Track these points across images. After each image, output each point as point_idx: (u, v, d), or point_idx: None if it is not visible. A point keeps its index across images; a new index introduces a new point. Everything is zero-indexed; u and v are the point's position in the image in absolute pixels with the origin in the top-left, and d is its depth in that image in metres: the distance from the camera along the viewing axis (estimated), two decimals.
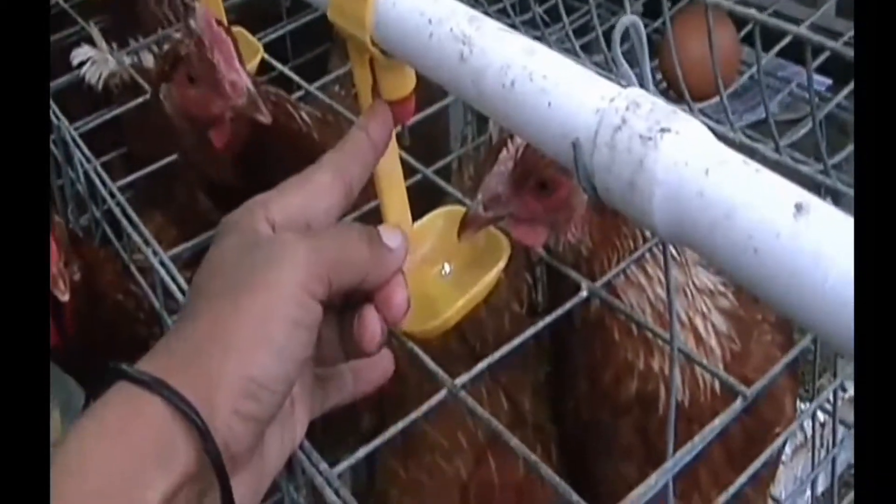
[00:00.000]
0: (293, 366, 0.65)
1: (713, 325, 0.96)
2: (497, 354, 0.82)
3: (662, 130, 0.49)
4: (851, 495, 1.15)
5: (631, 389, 0.96)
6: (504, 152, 0.85)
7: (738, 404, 0.74)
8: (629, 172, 0.50)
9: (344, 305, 0.73)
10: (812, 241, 0.44)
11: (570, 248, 0.91)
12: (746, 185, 0.46)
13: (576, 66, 0.56)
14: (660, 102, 0.51)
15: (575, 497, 0.68)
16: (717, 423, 0.72)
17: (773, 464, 1.13)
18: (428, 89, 0.77)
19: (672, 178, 0.48)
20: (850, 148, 1.01)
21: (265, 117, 1.06)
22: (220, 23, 1.04)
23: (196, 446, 0.60)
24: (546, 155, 0.56)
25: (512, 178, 0.85)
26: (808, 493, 1.26)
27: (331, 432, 0.76)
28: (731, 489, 0.78)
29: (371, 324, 0.72)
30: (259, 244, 0.68)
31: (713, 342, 0.95)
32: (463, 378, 0.78)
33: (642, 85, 0.53)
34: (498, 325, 1.19)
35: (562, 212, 0.89)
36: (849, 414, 1.05)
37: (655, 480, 0.69)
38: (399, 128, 0.82)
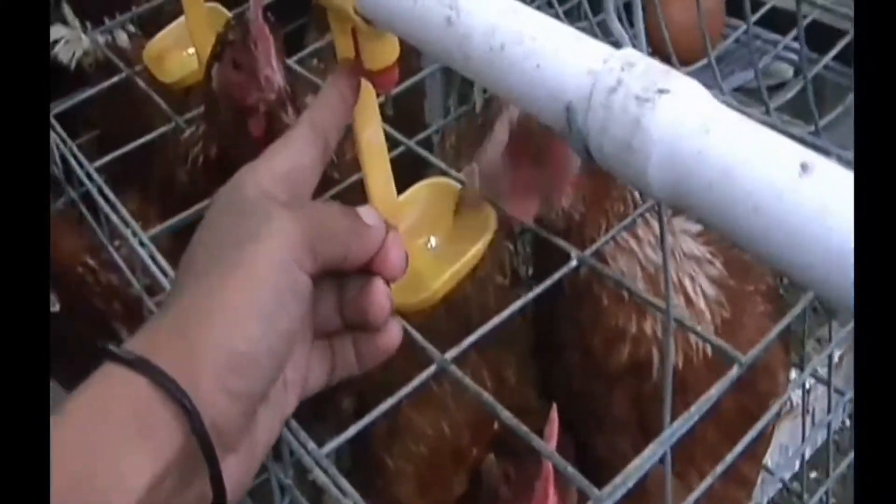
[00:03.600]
0: (282, 339, 0.64)
1: (702, 290, 0.94)
2: (485, 328, 0.81)
3: (660, 91, 0.48)
4: (845, 461, 1.15)
5: (623, 355, 0.94)
6: (498, 123, 0.83)
7: (733, 372, 0.73)
8: (625, 133, 0.49)
9: (339, 277, 0.72)
10: (817, 200, 0.43)
11: (562, 215, 0.89)
12: (749, 144, 0.45)
13: (565, 28, 0.55)
14: (655, 63, 0.50)
15: (570, 469, 0.67)
16: (714, 392, 0.71)
17: (767, 437, 1.12)
18: (405, 61, 0.76)
19: (670, 138, 0.47)
20: (838, 109, 1.01)
21: (288, 118, 1.09)
22: (266, 18, 1.05)
23: (182, 426, 0.59)
24: (537, 117, 0.55)
25: (508, 148, 0.83)
26: (797, 462, 1.26)
27: (309, 412, 0.74)
28: (728, 458, 0.77)
29: (379, 294, 0.71)
30: (246, 214, 0.66)
31: (703, 305, 0.94)
32: (452, 352, 0.77)
33: (636, 46, 0.52)
34: (482, 298, 1.17)
35: (557, 179, 0.87)
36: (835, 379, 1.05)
37: (652, 451, 0.68)
38: (382, 98, 0.81)
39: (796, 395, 1.34)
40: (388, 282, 0.73)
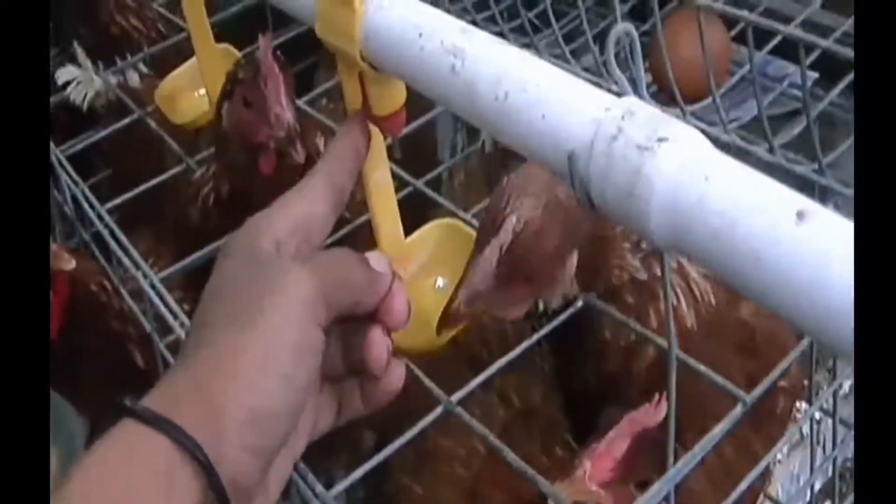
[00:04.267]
0: (299, 394, 0.64)
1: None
2: (492, 368, 0.83)
3: (660, 139, 0.48)
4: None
5: (645, 358, 0.93)
6: (488, 249, 0.80)
7: (737, 410, 0.73)
8: (626, 182, 0.49)
9: (344, 323, 0.72)
10: (814, 247, 0.43)
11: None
12: (747, 193, 0.46)
13: (569, 76, 0.55)
14: (656, 111, 0.50)
15: None
16: (717, 430, 0.72)
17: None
18: (416, 99, 0.76)
19: (670, 187, 0.48)
20: (844, 145, 1.01)
21: (297, 156, 1.09)
22: (276, 57, 1.06)
23: (202, 483, 0.59)
24: (540, 164, 0.56)
25: (496, 275, 0.80)
26: (808, 492, 1.26)
27: (324, 447, 0.75)
28: (734, 495, 0.78)
29: (377, 345, 0.71)
30: (261, 266, 0.66)
31: (705, 286, 0.92)
32: (459, 394, 0.78)
33: (636, 92, 0.53)
34: (500, 327, 1.18)
35: (547, 288, 0.86)
36: (844, 409, 1.04)
37: (657, 490, 0.68)
38: (389, 140, 0.82)
39: (805, 426, 1.34)
40: (389, 330, 0.73)
